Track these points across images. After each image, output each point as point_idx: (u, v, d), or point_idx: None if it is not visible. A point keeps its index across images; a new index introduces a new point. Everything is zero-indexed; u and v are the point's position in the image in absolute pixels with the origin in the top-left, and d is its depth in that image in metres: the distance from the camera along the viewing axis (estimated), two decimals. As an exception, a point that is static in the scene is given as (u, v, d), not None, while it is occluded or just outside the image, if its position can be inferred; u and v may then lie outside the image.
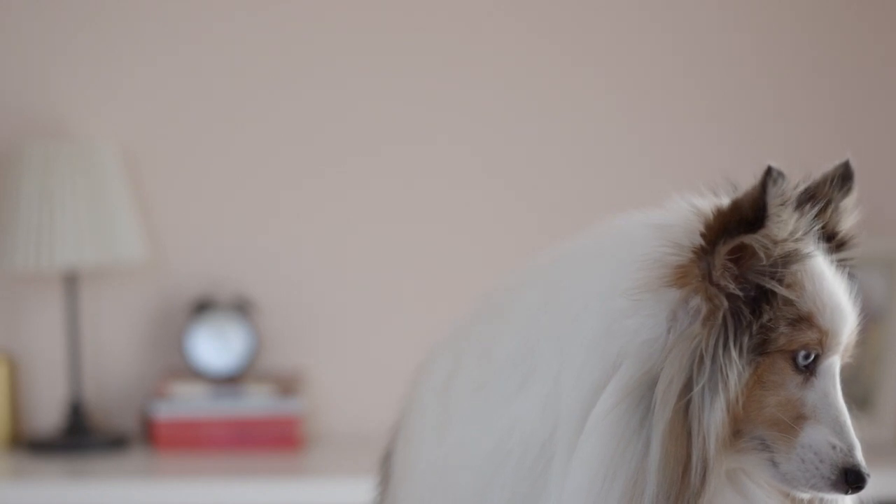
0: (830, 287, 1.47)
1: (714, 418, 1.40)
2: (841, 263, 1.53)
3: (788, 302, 1.44)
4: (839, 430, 1.45)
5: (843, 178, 1.53)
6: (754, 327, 1.43)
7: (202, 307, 3.31)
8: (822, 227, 1.51)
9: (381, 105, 3.38)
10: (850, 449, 1.44)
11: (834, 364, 1.48)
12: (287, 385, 3.29)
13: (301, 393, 3.29)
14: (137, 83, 3.37)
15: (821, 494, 1.47)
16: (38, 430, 3.35)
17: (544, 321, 1.47)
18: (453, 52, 3.39)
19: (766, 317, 1.43)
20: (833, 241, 1.53)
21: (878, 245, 3.33)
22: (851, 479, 1.44)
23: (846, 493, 1.45)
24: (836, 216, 1.52)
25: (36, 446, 3.25)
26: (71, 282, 3.28)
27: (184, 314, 3.34)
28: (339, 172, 3.39)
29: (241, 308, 3.31)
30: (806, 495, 1.48)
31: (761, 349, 1.44)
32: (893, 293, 3.29)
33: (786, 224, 1.42)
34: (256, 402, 3.26)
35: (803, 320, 1.45)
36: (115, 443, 3.26)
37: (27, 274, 3.34)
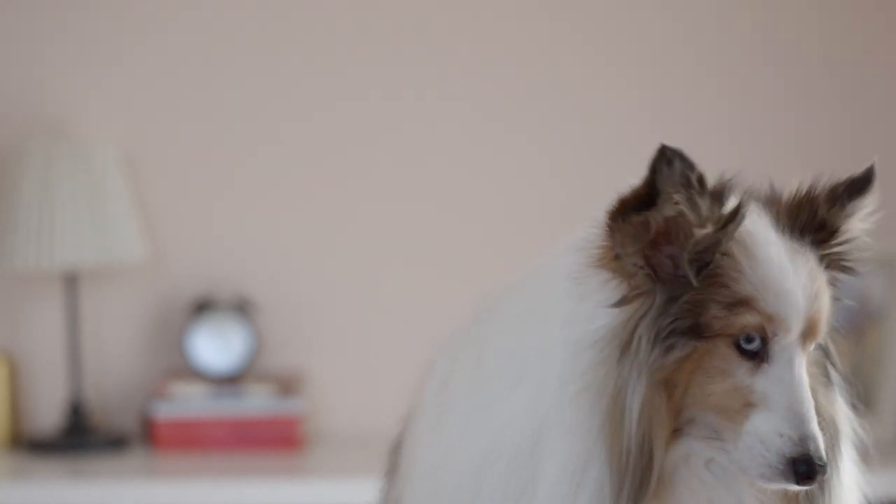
0: (776, 270, 1.42)
1: (635, 403, 1.39)
2: (836, 260, 1.51)
3: (721, 284, 1.41)
4: (791, 417, 1.40)
5: (861, 180, 1.51)
6: (673, 309, 1.40)
7: (202, 307, 3.31)
8: (817, 221, 1.49)
9: (383, 107, 3.38)
10: (802, 438, 1.39)
11: (791, 348, 1.43)
12: (287, 385, 3.29)
13: (301, 393, 3.29)
14: (137, 84, 3.37)
15: (774, 485, 1.42)
16: (38, 430, 3.35)
17: (531, 323, 1.47)
18: (453, 48, 3.38)
19: (689, 298, 1.40)
20: (829, 236, 1.50)
21: (878, 245, 3.33)
22: (801, 469, 1.39)
23: (797, 483, 1.40)
24: (838, 213, 1.50)
25: (36, 446, 3.25)
26: (71, 282, 3.28)
27: (184, 314, 3.34)
28: (340, 173, 3.39)
29: (241, 308, 3.31)
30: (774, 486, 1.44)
31: (697, 333, 1.41)
32: (893, 293, 3.29)
33: (692, 205, 1.39)
34: (256, 402, 3.26)
35: (741, 303, 1.41)
36: (115, 443, 3.26)
37: (27, 274, 3.34)
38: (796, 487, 1.41)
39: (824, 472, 1.41)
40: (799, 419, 1.40)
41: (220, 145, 3.39)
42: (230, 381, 3.30)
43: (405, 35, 3.39)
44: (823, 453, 1.40)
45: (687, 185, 1.39)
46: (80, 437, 3.26)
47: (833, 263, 1.51)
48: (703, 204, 1.40)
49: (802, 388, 1.42)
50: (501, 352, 1.48)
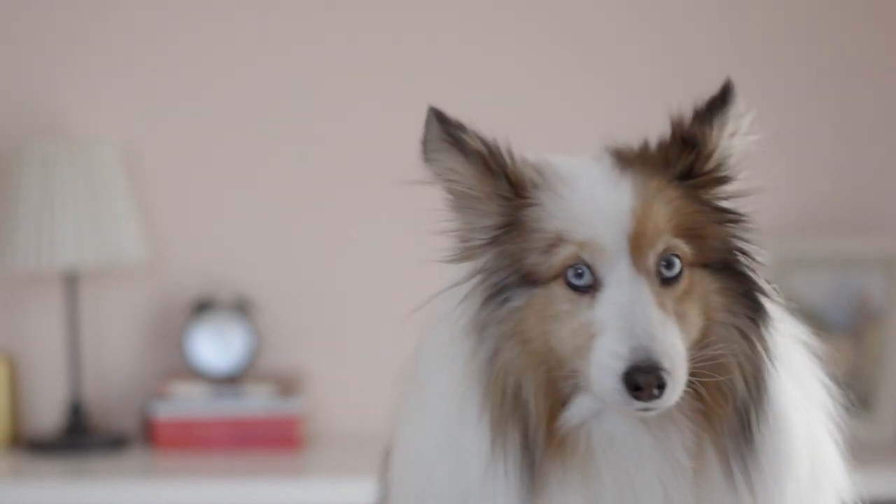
0: (583, 201, 1.43)
1: (497, 360, 1.44)
2: (714, 176, 1.48)
3: (534, 230, 1.44)
4: (620, 335, 1.39)
5: (720, 96, 1.48)
6: (499, 265, 1.45)
7: (202, 307, 3.31)
8: (684, 142, 1.47)
9: (382, 104, 3.38)
10: (631, 350, 1.37)
11: (621, 270, 1.42)
12: (287, 385, 3.29)
13: (301, 393, 3.29)
14: (137, 83, 3.37)
15: (628, 408, 1.39)
16: (38, 430, 3.35)
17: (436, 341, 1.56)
18: (451, 53, 3.39)
19: (509, 251, 1.44)
20: (699, 155, 1.47)
21: (878, 245, 3.33)
22: (634, 380, 1.37)
23: (636, 397, 1.37)
24: (702, 129, 1.47)
25: (36, 446, 3.25)
26: (71, 282, 3.28)
27: (184, 314, 3.34)
28: (340, 173, 3.39)
29: (241, 308, 3.32)
30: (648, 413, 1.41)
31: (530, 283, 1.44)
32: (893, 293, 3.29)
33: (456, 161, 1.47)
34: (256, 402, 3.26)
35: (555, 242, 1.43)
36: (115, 443, 3.26)
37: (27, 274, 3.34)
38: (640, 404, 1.38)
39: (660, 379, 1.37)
40: (627, 334, 1.39)
41: (221, 145, 3.39)
42: (230, 381, 3.30)
43: (408, 44, 3.39)
44: (659, 359, 1.37)
45: (452, 143, 1.47)
46: (80, 437, 3.26)
47: (711, 181, 1.48)
48: (472, 160, 1.46)
49: (632, 304, 1.41)
50: (431, 369, 1.54)
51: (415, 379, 1.56)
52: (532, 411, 1.43)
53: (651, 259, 1.43)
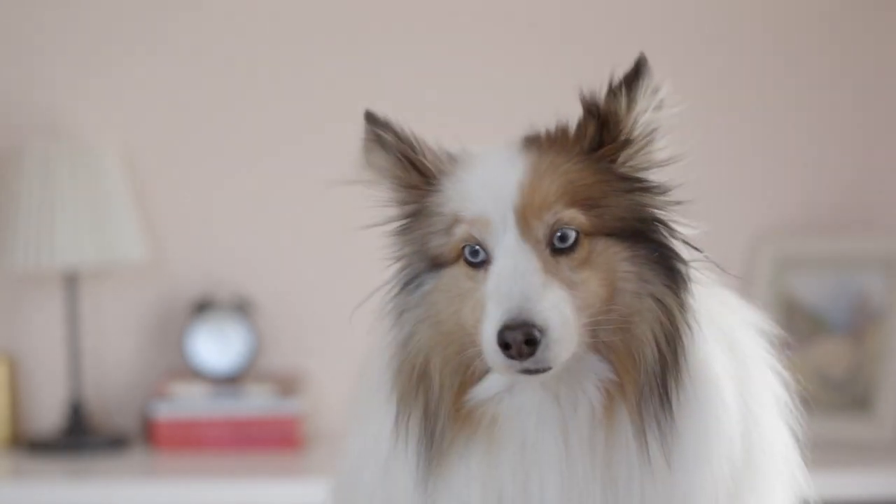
0: (474, 183, 1.48)
1: (410, 343, 1.49)
2: (635, 147, 1.49)
3: (434, 214, 1.50)
4: (499, 299, 1.41)
5: (633, 71, 1.50)
6: (410, 253, 1.52)
7: (202, 307, 3.31)
8: (602, 120, 1.48)
9: (383, 105, 3.37)
10: (504, 313, 1.40)
11: (508, 241, 1.45)
12: (287, 385, 3.29)
13: (301, 393, 3.29)
14: (137, 84, 3.37)
15: (510, 371, 1.41)
16: (38, 430, 3.35)
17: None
18: (451, 53, 3.39)
19: (416, 238, 1.51)
20: (616, 128, 1.48)
21: (878, 245, 3.33)
22: (500, 341, 1.39)
23: (509, 356, 1.39)
24: (618, 103, 1.48)
25: (36, 446, 3.25)
26: (71, 282, 3.28)
27: (184, 314, 3.34)
28: (340, 173, 3.38)
29: (241, 308, 3.32)
30: (537, 377, 1.42)
31: (438, 266, 1.49)
32: (893, 293, 3.29)
33: (380, 159, 1.58)
34: (256, 402, 3.26)
35: (453, 224, 1.48)
36: (115, 443, 3.26)
37: (27, 274, 3.34)
38: (516, 364, 1.39)
39: (528, 335, 1.38)
40: (505, 298, 1.41)
41: (221, 145, 3.39)
42: (230, 381, 3.30)
43: (412, 44, 3.39)
44: (529, 317, 1.39)
45: (376, 140, 1.59)
46: (80, 437, 3.26)
47: (615, 148, 1.49)
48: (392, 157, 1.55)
49: (512, 271, 1.43)
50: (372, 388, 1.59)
51: (360, 378, 1.62)
52: (436, 386, 1.47)
53: (540, 230, 1.45)
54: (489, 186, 1.47)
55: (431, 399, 1.47)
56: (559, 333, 1.39)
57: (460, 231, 1.47)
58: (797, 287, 3.32)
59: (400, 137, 1.55)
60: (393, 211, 1.56)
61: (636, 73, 1.49)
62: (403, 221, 1.54)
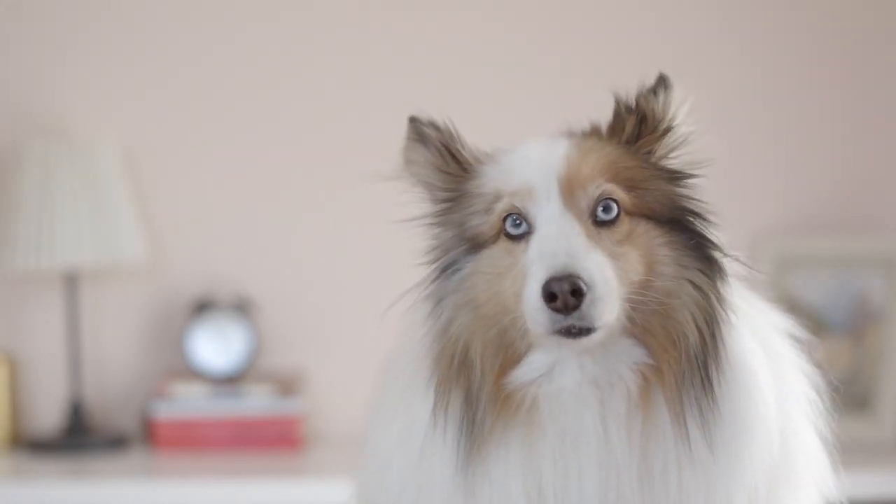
0: (516, 161, 1.50)
1: (451, 327, 1.49)
2: (668, 140, 1.51)
3: (475, 196, 1.50)
4: (543, 261, 1.42)
5: (661, 78, 1.53)
6: (447, 237, 1.51)
7: (202, 307, 3.31)
8: (641, 116, 1.51)
9: (383, 105, 3.38)
10: (548, 269, 1.40)
11: (552, 209, 1.46)
12: (287, 385, 3.29)
13: (301, 393, 3.29)
14: (137, 83, 3.37)
15: (555, 332, 1.41)
16: (38, 430, 3.35)
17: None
18: (451, 54, 3.39)
19: (455, 221, 1.51)
20: (653, 125, 1.51)
21: (878, 245, 3.33)
22: (546, 293, 1.39)
23: (559, 312, 1.39)
24: (653, 101, 1.51)
25: (36, 446, 3.25)
26: (71, 282, 3.28)
27: (184, 314, 3.34)
28: (340, 173, 3.39)
29: (241, 308, 3.32)
30: (579, 342, 1.43)
31: (477, 247, 1.49)
32: (893, 293, 3.29)
33: (418, 152, 1.58)
34: (256, 402, 3.26)
35: (494, 201, 1.49)
36: (115, 443, 3.26)
37: (27, 274, 3.34)
38: (561, 319, 1.40)
39: (574, 285, 1.39)
40: (549, 260, 1.42)
41: (221, 145, 3.39)
42: (230, 381, 3.30)
43: (412, 45, 3.39)
44: (575, 270, 1.39)
45: (418, 138, 1.58)
46: (80, 437, 3.26)
47: (654, 139, 1.51)
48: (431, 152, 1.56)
49: (557, 236, 1.44)
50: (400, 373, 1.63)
51: (385, 373, 1.65)
52: (477, 371, 1.47)
53: (583, 201, 1.47)
54: (533, 160, 1.49)
55: (473, 383, 1.47)
56: (603, 291, 1.40)
57: (502, 205, 1.48)
58: (797, 287, 3.32)
59: (440, 130, 1.56)
60: (429, 205, 1.56)
61: (665, 86, 1.52)
62: (441, 207, 1.54)
